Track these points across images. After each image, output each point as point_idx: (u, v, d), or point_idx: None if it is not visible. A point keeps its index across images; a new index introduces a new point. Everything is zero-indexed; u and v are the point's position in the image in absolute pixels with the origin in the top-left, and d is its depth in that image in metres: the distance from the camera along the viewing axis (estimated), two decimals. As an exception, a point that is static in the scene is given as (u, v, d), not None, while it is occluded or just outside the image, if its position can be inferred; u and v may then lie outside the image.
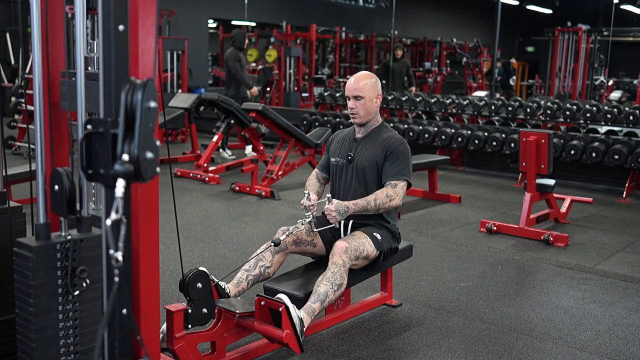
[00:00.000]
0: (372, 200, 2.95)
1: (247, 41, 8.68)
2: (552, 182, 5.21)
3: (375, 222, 3.10)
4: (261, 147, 7.59)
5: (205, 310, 2.58)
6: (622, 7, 18.23)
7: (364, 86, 3.06)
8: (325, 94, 10.15)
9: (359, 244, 2.94)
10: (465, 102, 8.64)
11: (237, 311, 2.68)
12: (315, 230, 3.01)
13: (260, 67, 13.14)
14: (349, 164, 3.13)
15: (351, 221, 3.09)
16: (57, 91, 2.16)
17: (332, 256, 2.88)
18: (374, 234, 3.04)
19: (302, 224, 2.97)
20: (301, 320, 2.66)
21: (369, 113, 3.10)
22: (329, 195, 2.95)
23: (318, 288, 2.79)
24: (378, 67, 11.20)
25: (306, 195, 2.99)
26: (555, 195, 5.41)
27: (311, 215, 2.95)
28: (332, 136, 3.35)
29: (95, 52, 2.15)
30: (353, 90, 3.08)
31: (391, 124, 8.43)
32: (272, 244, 2.91)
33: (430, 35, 18.22)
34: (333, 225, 2.97)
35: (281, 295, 2.69)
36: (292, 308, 2.63)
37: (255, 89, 8.48)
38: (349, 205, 2.92)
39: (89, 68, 2.15)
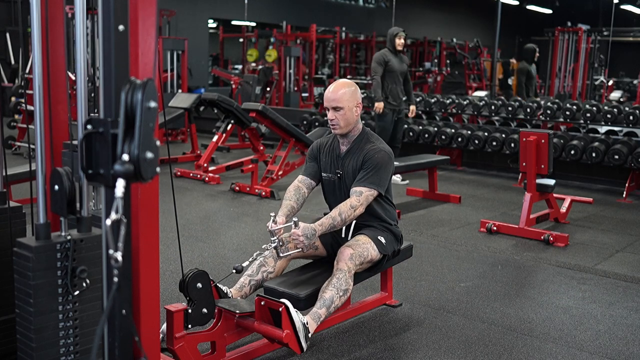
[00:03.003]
0: (337, 215, 2.84)
1: (400, 41, 6.66)
2: (552, 182, 5.21)
3: (379, 224, 3.09)
4: (261, 147, 7.59)
5: (205, 310, 2.58)
6: (622, 7, 18.24)
7: (342, 96, 2.95)
8: (326, 94, 10.12)
9: (364, 250, 2.93)
10: (465, 102, 8.64)
11: (237, 311, 2.68)
12: (281, 256, 2.85)
13: (260, 67, 13.14)
14: (339, 180, 3.08)
15: (353, 223, 3.08)
16: (58, 92, 2.16)
17: (338, 262, 2.86)
18: (378, 237, 3.02)
19: (267, 249, 2.88)
20: (305, 325, 2.65)
21: (349, 123, 2.99)
22: (295, 219, 2.78)
23: (324, 294, 2.78)
24: (517, 70, 9.23)
25: (272, 218, 2.84)
26: (555, 195, 5.41)
27: (277, 240, 2.80)
28: (316, 147, 3.19)
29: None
30: (331, 101, 2.96)
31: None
32: (234, 271, 2.80)
33: (430, 35, 18.23)
34: (300, 250, 2.87)
35: (283, 300, 2.68)
36: (292, 309, 2.63)
37: (380, 104, 6.60)
38: (315, 227, 2.79)
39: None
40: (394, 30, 6.74)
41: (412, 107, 7.10)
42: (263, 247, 2.88)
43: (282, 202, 3.05)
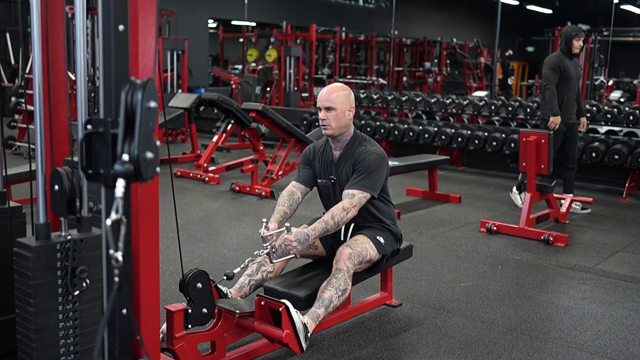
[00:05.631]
0: (329, 219, 2.82)
1: (578, 43, 5.59)
2: (552, 182, 5.21)
3: (378, 224, 3.09)
4: (261, 147, 7.59)
5: (205, 310, 2.58)
6: (622, 7, 18.24)
7: (336, 97, 2.96)
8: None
9: (362, 249, 2.93)
10: (465, 102, 8.64)
11: (237, 311, 2.68)
12: (273, 262, 2.84)
13: (260, 67, 13.15)
14: (333, 186, 3.08)
15: (352, 224, 3.08)
16: (58, 92, 2.16)
17: (336, 262, 2.86)
18: (377, 237, 3.02)
19: (260, 256, 2.85)
20: (305, 325, 2.66)
21: (341, 126, 2.98)
22: (287, 224, 2.76)
23: (322, 294, 2.78)
24: None
25: (264, 224, 2.83)
26: (555, 195, 5.41)
27: (269, 246, 2.79)
28: (309, 152, 3.17)
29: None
30: (325, 101, 2.96)
31: (391, 124, 8.43)
32: (225, 278, 2.78)
33: (430, 35, 18.24)
34: (293, 256, 2.84)
35: (283, 300, 2.68)
36: (292, 309, 2.63)
37: (556, 119, 5.51)
38: (308, 232, 2.76)
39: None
40: (572, 30, 5.70)
41: (583, 120, 5.90)
42: (255, 253, 2.86)
43: (275, 208, 3.04)
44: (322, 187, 3.14)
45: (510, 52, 15.59)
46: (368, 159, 2.94)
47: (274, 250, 2.82)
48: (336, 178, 3.05)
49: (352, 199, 2.88)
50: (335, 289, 2.79)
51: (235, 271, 2.83)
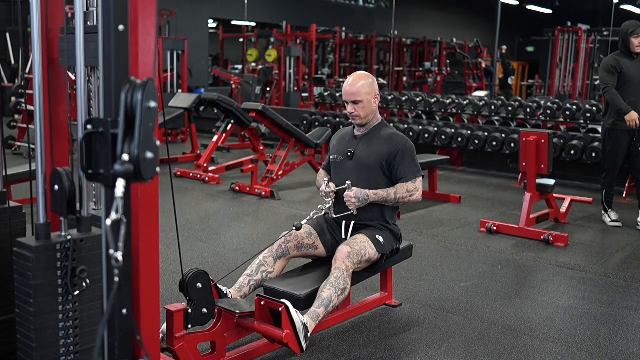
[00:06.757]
0: (392, 192, 3.03)
1: (637, 41, 5.08)
2: (552, 182, 5.21)
3: (378, 223, 3.10)
4: (261, 147, 7.59)
5: (205, 310, 2.58)
6: (622, 7, 18.24)
7: (360, 89, 3.06)
8: (325, 94, 10.15)
9: (361, 248, 2.94)
10: (465, 102, 8.64)
11: (237, 311, 2.68)
12: (334, 217, 3.09)
13: (260, 67, 13.15)
14: (348, 160, 3.14)
15: (353, 222, 3.09)
16: (58, 92, 2.16)
17: (335, 261, 2.87)
18: (377, 236, 3.03)
19: (323, 209, 3.06)
20: (305, 325, 2.66)
21: (369, 113, 3.13)
22: (349, 182, 3.01)
23: (322, 293, 2.79)
24: None
25: (325, 182, 3.09)
26: (555, 195, 5.41)
27: (331, 202, 3.06)
28: (335, 134, 3.39)
29: (94, 6, 2.16)
30: (350, 95, 3.08)
31: (391, 124, 8.43)
32: (294, 228, 2.98)
33: (430, 35, 18.23)
34: (352, 212, 3.03)
35: (283, 300, 2.68)
36: (292, 309, 2.63)
37: (630, 115, 5.05)
38: (369, 193, 2.99)
39: (88, 22, 2.16)
40: (628, 26, 5.17)
41: (630, 114, 5.12)
42: (319, 207, 3.07)
43: (319, 179, 3.26)
44: (334, 163, 3.23)
45: (505, 47, 15.55)
46: (407, 144, 3.12)
47: (334, 207, 3.08)
48: (354, 151, 3.15)
49: (415, 183, 3.08)
50: (334, 289, 2.79)
51: (303, 223, 3.04)
